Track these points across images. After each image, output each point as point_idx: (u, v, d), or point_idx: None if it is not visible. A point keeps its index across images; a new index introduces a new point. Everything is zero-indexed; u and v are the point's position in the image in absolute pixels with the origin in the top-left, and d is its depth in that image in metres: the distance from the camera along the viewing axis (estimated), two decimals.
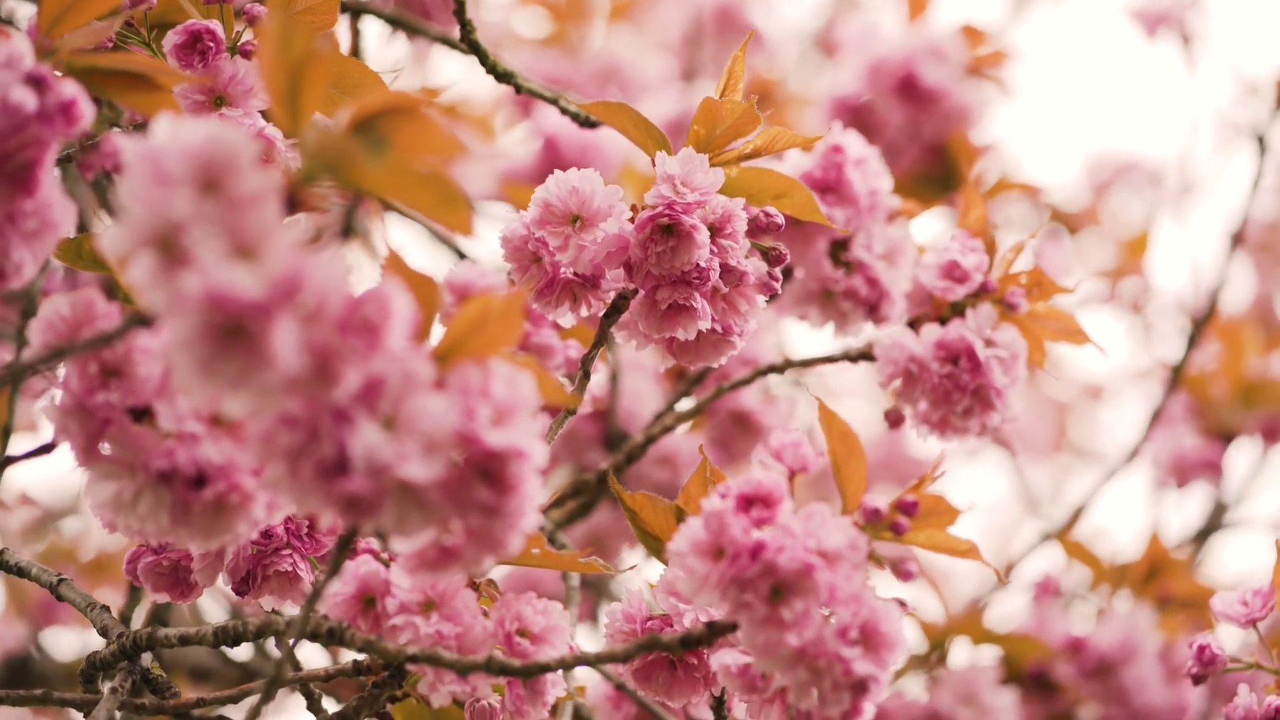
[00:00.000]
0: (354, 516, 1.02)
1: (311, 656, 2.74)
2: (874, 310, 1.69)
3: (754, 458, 1.22)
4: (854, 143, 1.68)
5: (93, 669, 1.33)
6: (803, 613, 1.14)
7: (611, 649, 1.23)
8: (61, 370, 1.13)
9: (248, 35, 1.36)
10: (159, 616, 1.99)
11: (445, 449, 1.01)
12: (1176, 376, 2.74)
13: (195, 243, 0.94)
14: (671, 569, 1.29)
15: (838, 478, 1.23)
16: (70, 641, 3.03)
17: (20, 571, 1.40)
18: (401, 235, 2.51)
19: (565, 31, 3.33)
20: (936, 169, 2.60)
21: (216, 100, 1.32)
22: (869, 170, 1.68)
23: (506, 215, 2.58)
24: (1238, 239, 2.80)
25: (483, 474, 1.03)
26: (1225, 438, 2.89)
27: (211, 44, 1.32)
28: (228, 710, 1.39)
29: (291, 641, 1.21)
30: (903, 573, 1.21)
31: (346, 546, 1.12)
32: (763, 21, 3.45)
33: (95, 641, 2.92)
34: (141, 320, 1.05)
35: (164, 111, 1.14)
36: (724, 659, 1.23)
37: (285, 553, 1.33)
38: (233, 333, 0.95)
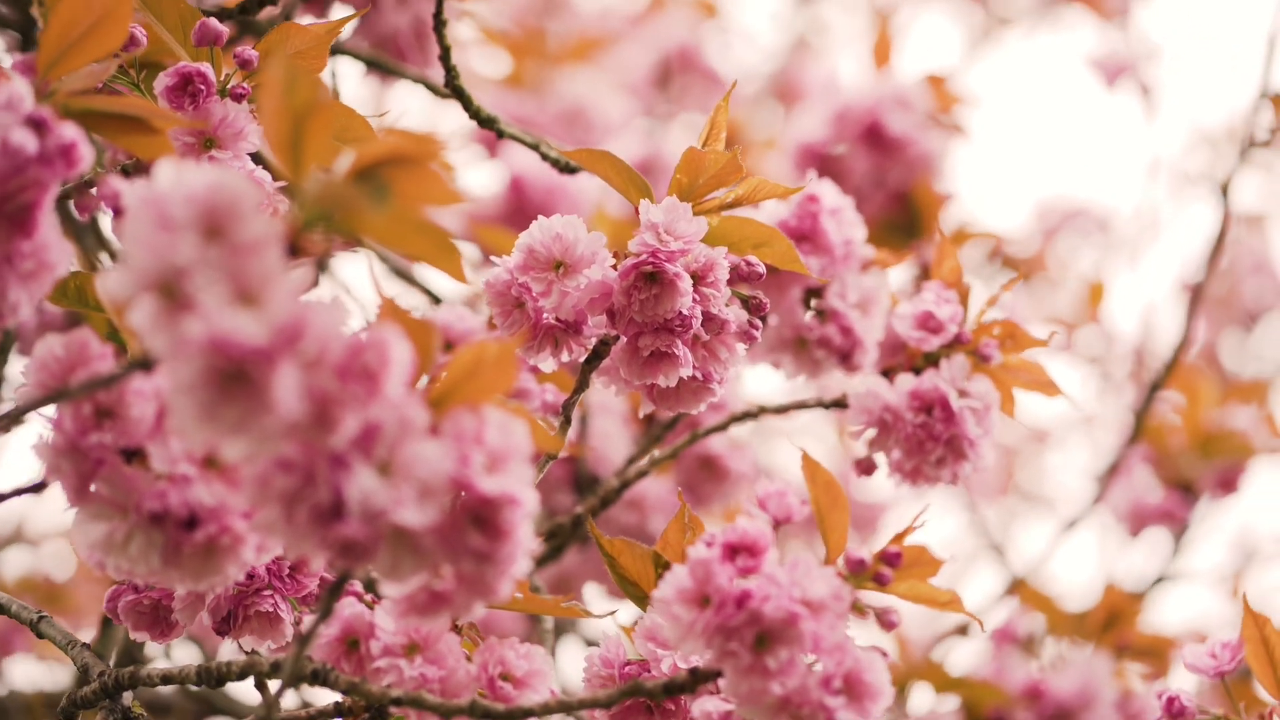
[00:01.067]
0: (348, 561, 1.02)
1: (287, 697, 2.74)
2: (847, 359, 1.70)
3: (741, 506, 1.23)
4: (829, 192, 1.69)
5: (73, 707, 1.33)
6: (787, 661, 1.15)
7: (594, 694, 1.24)
8: (52, 410, 1.13)
9: (236, 79, 1.37)
10: (130, 653, 1.99)
11: (440, 495, 1.02)
12: (1138, 427, 2.77)
13: (198, 288, 0.95)
14: (651, 615, 1.30)
15: (821, 527, 1.24)
16: (26, 672, 3.03)
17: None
18: (357, 269, 2.52)
19: (525, 71, 3.35)
20: (901, 217, 2.62)
21: (206, 143, 1.32)
22: (844, 220, 1.70)
23: (471, 254, 2.59)
24: (1197, 294, 2.82)
25: (476, 520, 1.04)
26: (1183, 488, 2.92)
27: (203, 86, 1.33)
28: None
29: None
30: (886, 622, 1.22)
31: (338, 590, 1.12)
32: (720, 65, 3.48)
33: (58, 673, 2.92)
34: (142, 365, 1.05)
35: (160, 155, 1.16)
36: (706, 706, 1.24)
37: (266, 593, 1.34)
38: (234, 378, 0.95)
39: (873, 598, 1.24)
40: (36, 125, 1.07)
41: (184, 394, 0.96)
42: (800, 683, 1.16)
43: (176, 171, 0.97)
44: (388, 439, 1.01)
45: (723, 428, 1.77)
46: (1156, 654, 2.54)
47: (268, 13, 1.77)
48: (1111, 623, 2.48)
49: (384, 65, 2.01)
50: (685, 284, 1.35)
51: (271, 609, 1.34)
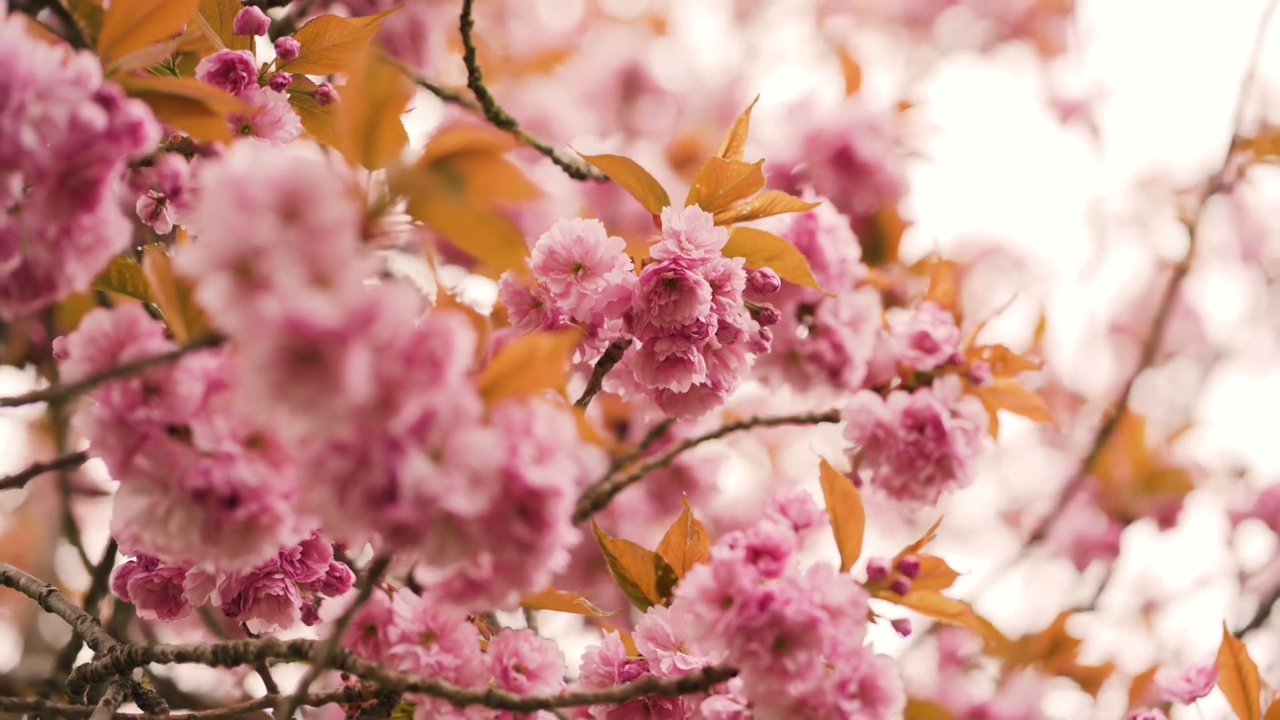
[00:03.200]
0: (398, 544, 1.04)
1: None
2: (836, 375, 1.73)
3: (762, 510, 1.26)
4: (825, 211, 1.72)
5: (83, 680, 1.34)
6: (806, 664, 1.17)
7: (609, 690, 1.26)
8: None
9: (274, 67, 1.38)
10: (114, 631, 2.00)
11: (490, 484, 1.03)
12: (1089, 460, 2.82)
13: (274, 269, 0.96)
14: (652, 615, 1.33)
15: (837, 535, 1.26)
16: None
17: (8, 581, 1.41)
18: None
19: (488, 79, 3.36)
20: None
21: (243, 129, 1.34)
22: (839, 238, 1.73)
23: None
24: (1155, 339, 2.88)
25: (521, 511, 1.06)
26: (1125, 520, 2.97)
27: (244, 74, 1.34)
28: None
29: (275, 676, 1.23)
30: (902, 629, 1.25)
31: (379, 574, 1.14)
32: (669, 83, 3.50)
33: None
34: (206, 343, 1.07)
35: (216, 137, 1.18)
36: (715, 706, 1.26)
37: (277, 577, 1.35)
38: (306, 358, 0.97)
39: (883, 606, 1.26)
40: (105, 102, 1.08)
41: (256, 371, 0.98)
42: (816, 685, 1.19)
43: (254, 154, 0.99)
44: (442, 426, 1.03)
45: (716, 436, 1.80)
46: (1094, 681, 2.58)
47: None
48: (1055, 650, 2.52)
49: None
50: (705, 292, 1.38)
51: (282, 593, 1.35)
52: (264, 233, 0.97)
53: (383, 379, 0.99)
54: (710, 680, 1.24)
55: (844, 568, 1.25)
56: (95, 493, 2.88)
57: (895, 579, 1.24)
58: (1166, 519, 2.99)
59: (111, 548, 1.81)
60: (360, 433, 1.02)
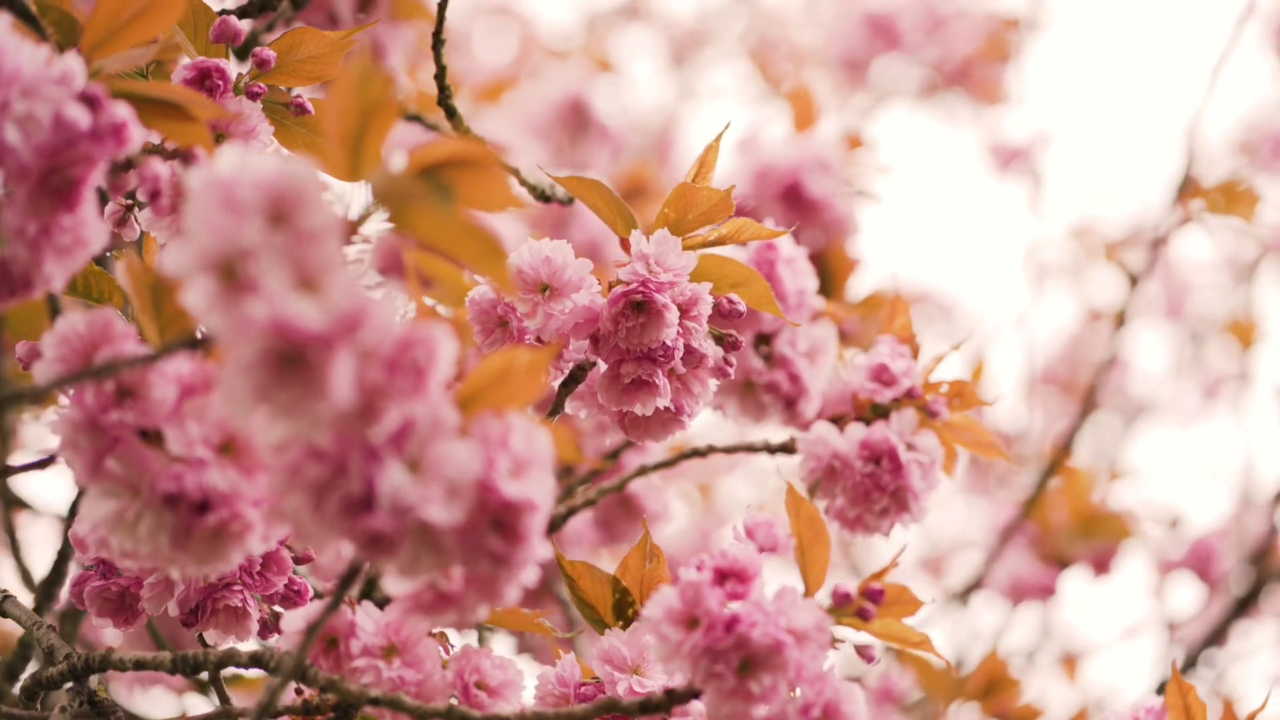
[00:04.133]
0: (372, 553, 1.04)
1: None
2: (791, 405, 1.74)
3: (728, 534, 1.26)
4: (785, 243, 1.73)
5: (38, 686, 1.33)
6: (770, 687, 1.18)
7: (569, 710, 1.26)
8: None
9: (249, 77, 1.38)
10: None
11: (466, 495, 1.03)
12: (1027, 507, 2.85)
13: (261, 271, 0.96)
14: (609, 638, 1.33)
15: (801, 560, 1.27)
16: None
17: None
18: None
19: (428, 108, 3.36)
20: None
21: (216, 138, 1.34)
22: (798, 270, 1.74)
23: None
24: (1095, 387, 2.90)
25: (496, 524, 1.05)
26: (1061, 565, 3.00)
27: (220, 82, 1.34)
28: None
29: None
30: (866, 655, 1.25)
31: (350, 583, 1.13)
32: (612, 121, 3.51)
33: None
34: (185, 346, 1.07)
35: (196, 142, 1.18)
36: None
37: (236, 588, 1.35)
38: (290, 362, 0.97)
39: (846, 633, 1.27)
40: (89, 102, 1.08)
41: (240, 373, 0.97)
42: (780, 709, 1.19)
43: (242, 157, 0.99)
44: (420, 436, 1.02)
45: (671, 464, 1.81)
46: None
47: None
48: (991, 690, 2.53)
49: None
50: (672, 315, 1.38)
51: (240, 604, 1.35)
52: (251, 235, 0.96)
53: (365, 386, 0.99)
54: (672, 702, 1.24)
55: (808, 593, 1.26)
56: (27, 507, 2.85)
57: (860, 605, 1.25)
58: (1101, 565, 3.01)
59: (59, 562, 1.79)
60: (339, 440, 1.02)
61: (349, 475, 1.02)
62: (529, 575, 1.09)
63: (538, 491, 1.06)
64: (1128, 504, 3.14)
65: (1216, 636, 3.31)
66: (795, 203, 2.59)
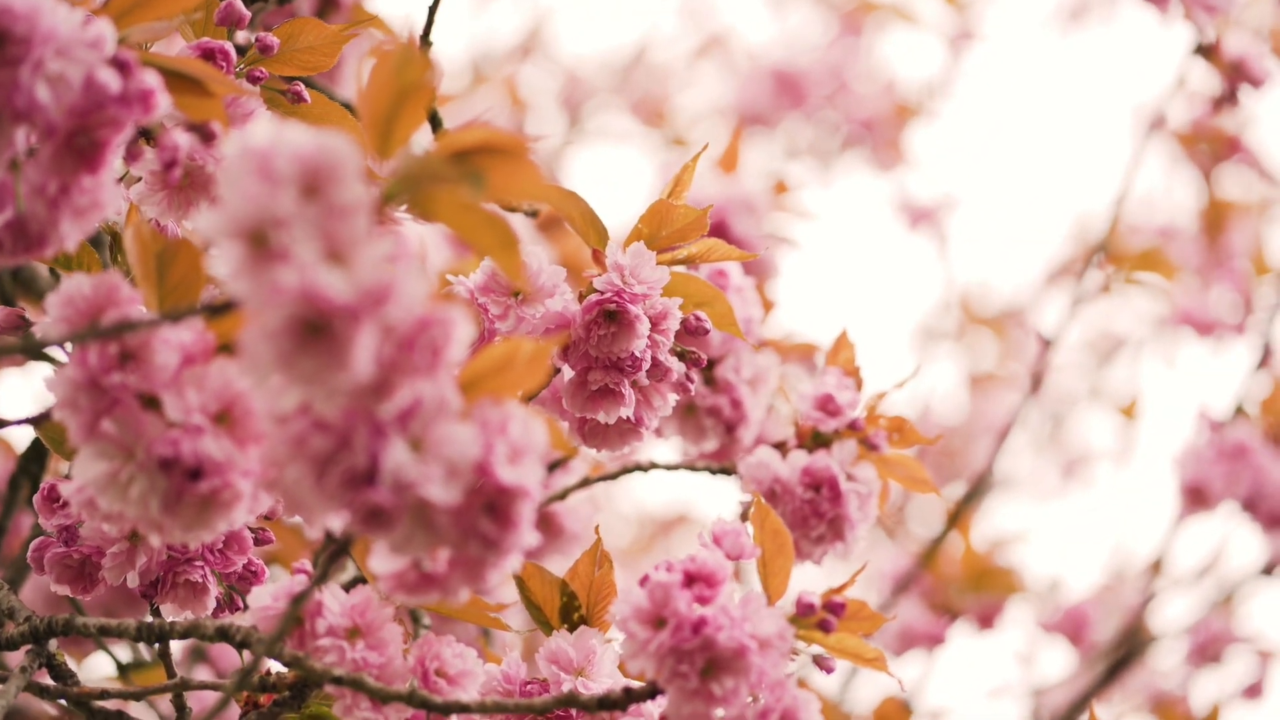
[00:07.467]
0: (370, 527, 1.06)
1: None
2: (731, 430, 1.77)
3: (695, 539, 1.29)
4: (735, 271, 1.77)
5: None
6: (732, 690, 1.20)
7: (530, 700, 1.28)
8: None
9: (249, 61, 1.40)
10: None
11: (465, 477, 1.05)
12: (924, 558, 2.90)
13: (292, 241, 0.98)
14: (556, 639, 1.35)
15: (763, 571, 1.30)
16: None
17: None
18: None
19: None
20: None
21: None
22: (747, 298, 1.78)
23: None
24: (996, 450, 2.97)
25: (490, 507, 1.08)
26: (951, 616, 3.05)
27: (224, 63, 1.35)
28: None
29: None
30: (825, 667, 1.29)
31: (339, 556, 1.15)
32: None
33: None
34: (211, 310, 1.09)
35: (212, 118, 1.20)
36: None
37: (198, 564, 1.36)
38: (316, 331, 0.99)
39: (800, 644, 1.30)
40: (120, 66, 1.10)
41: (265, 339, 0.99)
42: (739, 713, 1.22)
43: (278, 129, 1.01)
44: (426, 416, 1.05)
45: (614, 476, 1.83)
46: None
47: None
48: None
49: (313, 85, 2.03)
50: (644, 327, 1.41)
51: (201, 579, 1.36)
52: (285, 205, 0.98)
53: (384, 361, 1.01)
54: (630, 699, 1.26)
55: (769, 602, 1.29)
56: None
57: (822, 617, 1.28)
58: (986, 619, 3.07)
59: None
60: (346, 414, 1.04)
61: (354, 449, 1.04)
62: (514, 563, 1.11)
63: (532, 479, 1.09)
64: (1013, 563, 3.20)
65: (1080, 705, 3.36)
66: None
